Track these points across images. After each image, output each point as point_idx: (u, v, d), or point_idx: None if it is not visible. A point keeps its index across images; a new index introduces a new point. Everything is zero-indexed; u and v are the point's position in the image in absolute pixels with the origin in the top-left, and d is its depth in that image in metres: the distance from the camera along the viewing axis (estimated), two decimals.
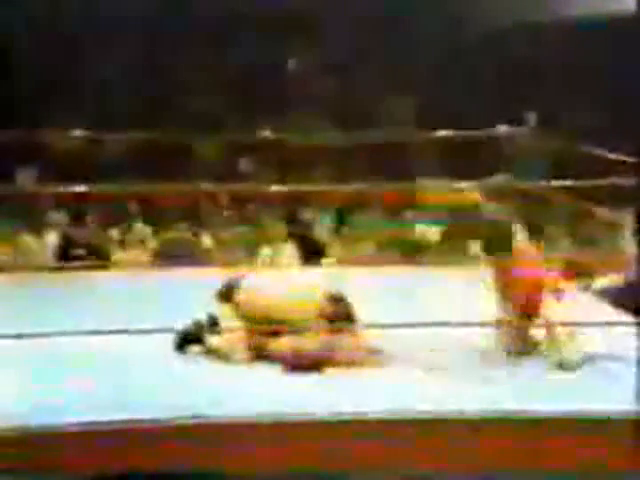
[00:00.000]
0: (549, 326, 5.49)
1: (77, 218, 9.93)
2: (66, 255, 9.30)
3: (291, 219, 10.32)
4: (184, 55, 12.53)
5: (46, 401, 4.68)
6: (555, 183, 7.51)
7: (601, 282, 7.96)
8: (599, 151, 6.87)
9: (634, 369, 5.18)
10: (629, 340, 5.61)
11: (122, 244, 10.09)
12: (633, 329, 5.58)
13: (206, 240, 10.36)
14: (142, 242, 10.09)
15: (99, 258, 9.12)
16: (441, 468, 4.47)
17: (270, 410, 4.57)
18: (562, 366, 5.52)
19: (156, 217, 10.53)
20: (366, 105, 12.14)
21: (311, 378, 5.10)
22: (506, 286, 5.57)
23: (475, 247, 5.79)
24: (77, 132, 9.06)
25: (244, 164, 12.01)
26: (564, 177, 7.59)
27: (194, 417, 4.57)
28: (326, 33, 12.57)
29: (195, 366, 5.30)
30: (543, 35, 12.40)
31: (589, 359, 5.59)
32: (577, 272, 8.31)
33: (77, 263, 8.84)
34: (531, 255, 5.68)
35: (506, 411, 4.72)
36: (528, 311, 5.59)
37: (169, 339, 5.47)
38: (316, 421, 4.55)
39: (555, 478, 4.46)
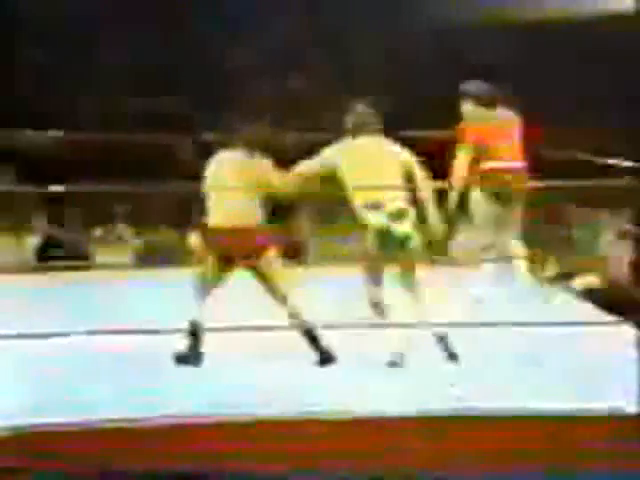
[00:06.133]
0: None
1: (57, 219, 9.88)
2: (46, 256, 9.28)
3: None
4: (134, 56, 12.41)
5: None
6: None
7: (581, 283, 7.97)
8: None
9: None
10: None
11: (104, 245, 10.03)
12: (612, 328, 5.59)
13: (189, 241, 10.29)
14: (124, 243, 10.04)
15: (78, 259, 9.10)
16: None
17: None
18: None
19: (139, 218, 10.45)
20: (303, 107, 12.06)
21: None
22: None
23: None
24: (52, 133, 9.01)
25: None
26: None
27: (193, 417, 4.60)
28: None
29: None
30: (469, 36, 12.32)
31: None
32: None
33: (59, 263, 8.82)
34: None
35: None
36: None
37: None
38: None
39: None
